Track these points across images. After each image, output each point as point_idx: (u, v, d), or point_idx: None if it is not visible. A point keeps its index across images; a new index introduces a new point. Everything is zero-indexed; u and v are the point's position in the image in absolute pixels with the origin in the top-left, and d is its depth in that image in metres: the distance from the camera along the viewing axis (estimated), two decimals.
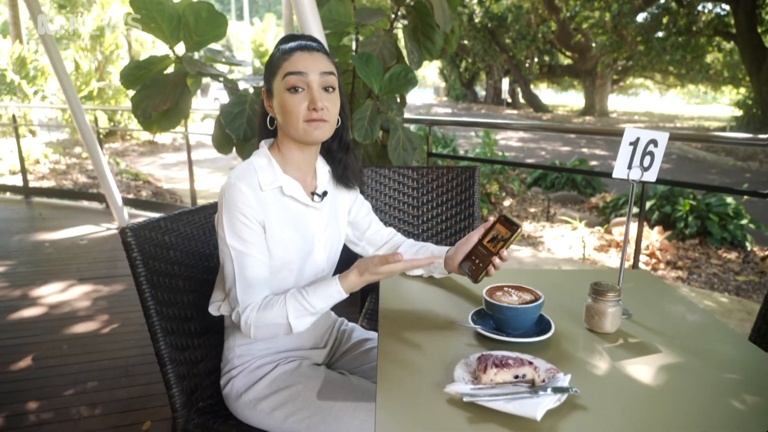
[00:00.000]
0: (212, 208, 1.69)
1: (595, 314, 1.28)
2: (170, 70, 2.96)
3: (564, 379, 1.03)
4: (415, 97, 46.24)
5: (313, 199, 1.42)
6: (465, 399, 0.97)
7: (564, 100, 47.67)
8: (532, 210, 7.48)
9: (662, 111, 35.19)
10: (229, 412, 1.48)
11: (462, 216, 2.53)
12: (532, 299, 1.28)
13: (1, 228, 5.65)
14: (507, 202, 7.75)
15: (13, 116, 8.08)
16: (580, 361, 1.17)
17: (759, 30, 15.71)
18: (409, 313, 1.43)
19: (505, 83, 18.77)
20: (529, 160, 12.72)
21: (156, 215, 1.51)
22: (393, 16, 3.27)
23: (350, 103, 3.20)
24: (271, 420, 1.38)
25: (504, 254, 1.33)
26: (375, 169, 2.49)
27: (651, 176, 1.38)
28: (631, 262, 3.12)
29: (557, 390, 0.99)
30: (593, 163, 12.02)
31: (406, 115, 3.50)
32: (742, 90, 21.13)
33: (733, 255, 5.50)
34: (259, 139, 1.46)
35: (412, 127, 7.20)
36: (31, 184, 7.46)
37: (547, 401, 0.96)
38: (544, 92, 44.42)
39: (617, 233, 5.85)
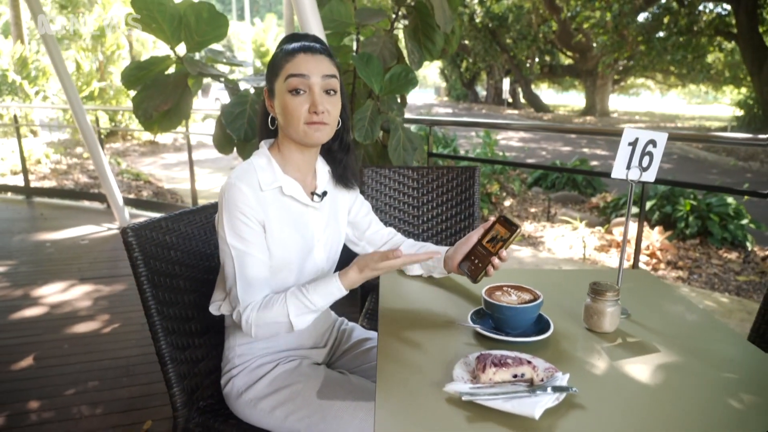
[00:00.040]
0: (213, 208, 1.69)
1: (594, 314, 1.29)
2: (171, 70, 2.96)
3: (562, 379, 1.03)
4: (415, 97, 46.26)
5: (312, 199, 1.43)
6: (464, 398, 0.98)
7: (565, 100, 47.67)
8: (533, 210, 7.48)
9: (663, 111, 35.18)
10: (229, 411, 1.49)
11: (462, 216, 2.54)
12: (531, 299, 1.28)
13: (2, 228, 5.66)
14: (507, 202, 7.76)
15: (15, 116, 8.10)
16: (579, 361, 1.17)
17: (760, 30, 15.71)
18: (409, 312, 1.44)
19: (506, 83, 18.74)
20: (530, 160, 12.72)
21: (157, 215, 1.52)
22: (393, 16, 3.27)
23: (351, 103, 3.21)
24: (271, 419, 1.39)
25: (503, 254, 1.33)
26: (375, 169, 2.50)
27: (650, 176, 1.39)
28: (632, 262, 3.12)
29: (556, 389, 0.99)
30: (594, 163, 12.02)
31: (407, 115, 3.50)
32: (744, 90, 21.12)
33: (733, 255, 5.50)
34: (259, 138, 1.47)
35: (413, 128, 7.20)
36: (33, 184, 7.47)
37: (546, 400, 0.96)
38: (545, 92, 44.44)
39: (618, 233, 5.86)
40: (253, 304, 1.30)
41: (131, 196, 7.47)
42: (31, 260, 4.61)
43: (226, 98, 2.95)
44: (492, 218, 1.41)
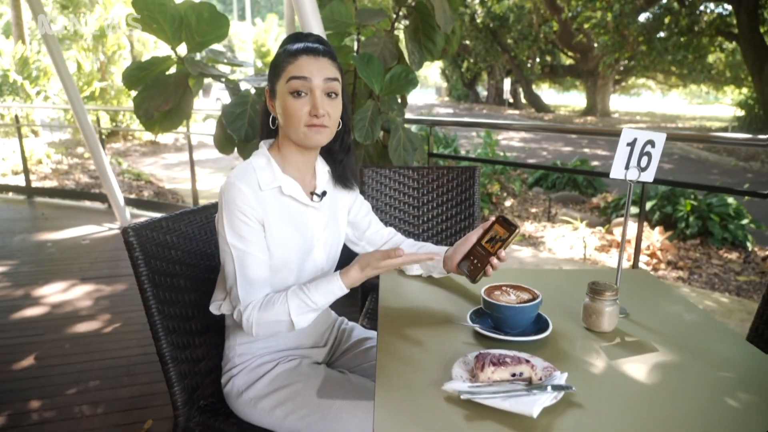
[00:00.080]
0: (213, 208, 1.70)
1: (593, 313, 1.29)
2: (172, 70, 2.97)
3: (561, 377, 1.04)
4: (416, 97, 46.26)
5: (312, 199, 1.43)
6: (462, 397, 0.98)
7: (566, 100, 47.65)
8: (534, 210, 7.48)
9: (664, 111, 35.16)
10: (229, 410, 1.49)
11: (462, 216, 2.54)
12: (530, 298, 1.29)
13: (3, 228, 5.67)
14: (508, 203, 7.76)
15: (16, 116, 8.11)
16: (577, 360, 1.18)
17: (761, 30, 15.69)
18: (409, 312, 1.44)
19: (507, 83, 18.79)
20: (531, 161, 12.72)
21: (158, 215, 1.53)
22: (394, 16, 3.28)
23: (351, 103, 3.21)
24: (271, 418, 1.39)
25: (502, 254, 1.34)
26: (375, 169, 2.50)
27: (648, 176, 1.39)
28: (632, 262, 3.12)
29: (554, 388, 1.00)
30: (595, 163, 12.01)
31: (407, 116, 3.51)
32: (745, 90, 21.10)
33: (734, 255, 5.50)
34: (260, 137, 1.47)
35: (414, 128, 7.21)
36: (34, 184, 7.48)
37: (544, 399, 0.97)
38: (546, 92, 44.45)
39: (618, 233, 5.86)
40: (254, 303, 1.30)
41: (132, 196, 7.48)
42: (33, 260, 4.62)
43: (227, 98, 2.96)
44: (491, 218, 1.41)
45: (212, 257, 1.65)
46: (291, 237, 1.37)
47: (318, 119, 1.31)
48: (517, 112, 30.58)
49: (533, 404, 0.95)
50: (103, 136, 7.66)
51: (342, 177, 1.54)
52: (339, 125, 1.42)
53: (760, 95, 16.14)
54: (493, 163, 8.21)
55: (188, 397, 1.47)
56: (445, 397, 1.02)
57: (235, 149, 2.98)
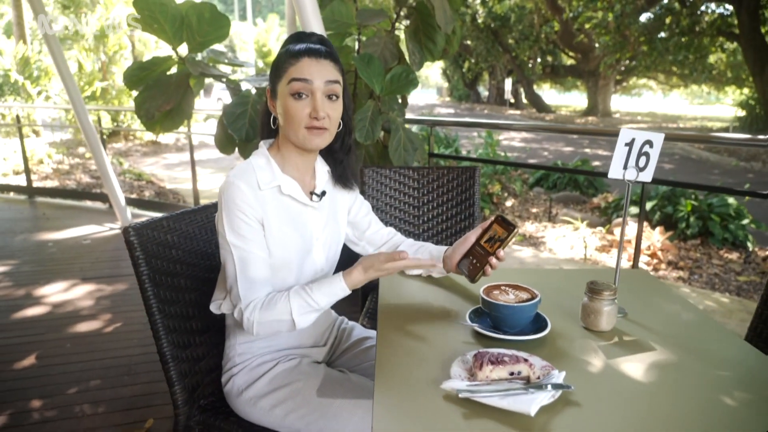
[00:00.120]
0: (214, 208, 1.71)
1: (591, 313, 1.30)
2: (173, 70, 2.98)
3: (558, 376, 1.04)
4: (418, 97, 46.27)
5: (311, 199, 1.44)
6: (460, 395, 0.99)
7: (567, 100, 47.65)
8: (534, 210, 7.49)
9: (665, 111, 35.15)
10: (230, 409, 1.50)
11: (462, 216, 2.55)
12: (528, 298, 1.29)
13: (4, 228, 5.68)
14: (509, 203, 7.76)
15: (17, 116, 8.13)
16: (575, 359, 1.18)
17: (762, 30, 15.68)
18: (408, 311, 1.45)
19: (508, 83, 18.80)
20: (532, 161, 12.72)
21: (159, 215, 1.53)
22: (395, 17, 3.28)
23: (352, 103, 3.21)
24: (271, 417, 1.40)
25: (500, 254, 1.34)
26: (376, 170, 2.51)
27: (646, 176, 1.40)
28: (632, 262, 3.13)
29: (551, 387, 1.00)
30: (596, 163, 12.00)
31: (408, 116, 3.51)
32: (746, 90, 21.09)
33: (734, 255, 5.50)
34: (261, 137, 1.48)
35: (414, 128, 7.21)
36: (35, 184, 7.49)
37: (541, 397, 0.97)
38: (547, 92, 44.46)
39: (619, 233, 5.86)
40: (256, 302, 1.31)
41: (133, 196, 7.49)
42: (34, 260, 4.63)
43: (228, 98, 2.97)
44: (490, 218, 1.42)
45: (212, 257, 1.65)
46: (290, 236, 1.38)
47: (318, 121, 1.31)
48: (518, 112, 30.58)
49: (531, 403, 0.96)
50: (105, 136, 7.68)
51: (342, 177, 1.54)
52: (339, 126, 1.42)
53: (761, 95, 16.14)
54: (493, 164, 8.20)
55: (189, 396, 1.47)
56: (444, 396, 1.02)
57: (236, 149, 2.99)
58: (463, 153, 9.76)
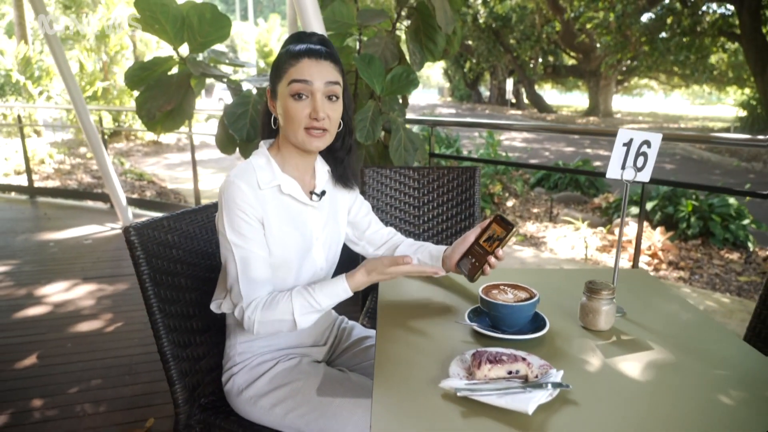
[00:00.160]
0: (214, 208, 1.71)
1: (590, 312, 1.30)
2: (174, 71, 2.98)
3: (556, 375, 1.05)
4: (419, 97, 46.28)
5: (311, 199, 1.44)
6: (459, 394, 1.00)
7: (568, 100, 47.64)
8: (535, 210, 7.49)
9: (667, 111, 35.13)
10: (230, 408, 1.51)
11: (462, 216, 2.55)
12: (527, 297, 1.30)
13: (6, 228, 5.69)
14: (510, 203, 7.76)
15: (18, 116, 8.13)
16: (573, 358, 1.19)
17: (763, 30, 15.67)
18: (407, 310, 1.45)
19: (510, 84, 18.80)
20: (533, 161, 12.71)
21: (160, 215, 1.54)
22: (395, 17, 3.29)
23: (353, 103, 3.22)
24: (271, 416, 1.40)
25: (499, 253, 1.35)
26: (376, 170, 2.51)
27: (644, 176, 1.40)
28: (632, 262, 3.13)
29: (549, 385, 1.01)
30: (597, 163, 11.99)
31: (409, 116, 3.52)
32: (747, 90, 21.08)
33: (735, 255, 5.50)
34: (261, 137, 1.48)
35: (416, 128, 7.22)
36: (36, 184, 7.50)
37: (539, 396, 0.98)
38: (549, 93, 44.46)
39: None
40: (257, 302, 1.31)
41: (134, 196, 7.50)
42: (35, 260, 4.64)
43: (229, 98, 2.97)
44: (489, 218, 1.42)
45: (213, 256, 1.66)
46: (290, 235, 1.38)
47: (318, 122, 1.32)
48: (519, 112, 30.58)
49: (528, 401, 0.96)
50: (106, 136, 7.68)
51: (343, 177, 1.55)
52: (340, 126, 1.43)
53: (762, 96, 16.13)
54: (494, 164, 8.21)
55: (189, 395, 1.48)
56: (442, 394, 1.03)
57: (237, 149, 2.99)
58: (465, 153, 9.76)
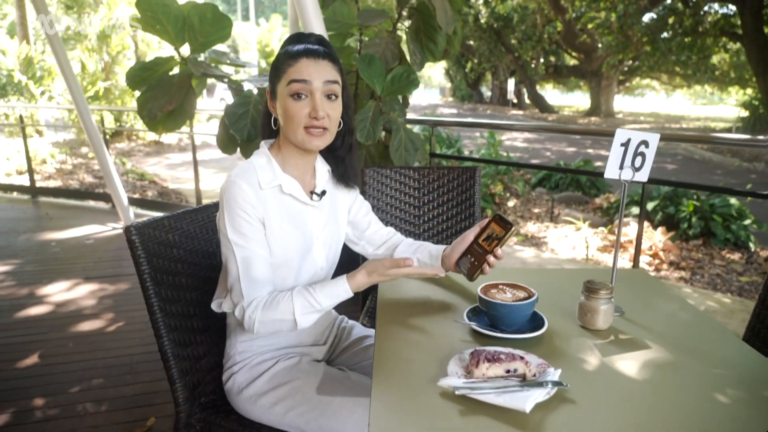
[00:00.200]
0: (215, 207, 1.72)
1: (588, 311, 1.31)
2: (175, 71, 2.99)
3: (554, 374, 1.05)
4: (420, 97, 46.28)
5: (312, 198, 1.45)
6: (457, 392, 1.00)
7: (570, 100, 47.63)
8: (536, 210, 7.49)
9: (668, 112, 35.10)
10: (230, 407, 1.51)
11: (462, 216, 2.55)
12: (525, 296, 1.30)
13: (8, 227, 5.71)
14: (511, 203, 7.76)
15: (20, 116, 8.16)
16: (571, 357, 1.19)
17: (765, 30, 15.65)
18: (407, 309, 1.46)
19: (511, 84, 18.80)
20: (534, 161, 12.71)
21: (161, 215, 1.54)
22: (396, 17, 3.29)
23: (353, 103, 3.22)
24: (271, 414, 1.41)
25: (498, 252, 1.35)
26: (377, 169, 2.52)
27: (642, 176, 1.41)
28: (633, 261, 3.13)
29: (547, 384, 1.01)
30: (598, 163, 11.95)
31: (409, 116, 3.52)
32: (749, 91, 21.05)
33: (736, 256, 5.50)
34: (262, 137, 1.49)
35: (416, 128, 7.22)
36: (38, 184, 7.52)
37: (537, 395, 0.98)
38: (550, 93, 44.45)
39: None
40: (258, 301, 1.32)
41: (136, 195, 7.51)
42: (37, 259, 4.65)
43: (230, 98, 2.98)
44: (488, 217, 1.43)
45: (214, 256, 1.67)
46: (291, 235, 1.39)
47: (318, 121, 1.32)
48: (520, 112, 30.58)
49: (526, 400, 0.97)
50: (107, 136, 7.70)
51: (343, 176, 1.55)
52: (340, 125, 1.43)
53: (764, 96, 16.11)
54: (495, 164, 8.20)
55: (189, 394, 1.49)
56: (441, 393, 1.03)
57: (238, 149, 3.00)
58: (466, 153, 9.76)
